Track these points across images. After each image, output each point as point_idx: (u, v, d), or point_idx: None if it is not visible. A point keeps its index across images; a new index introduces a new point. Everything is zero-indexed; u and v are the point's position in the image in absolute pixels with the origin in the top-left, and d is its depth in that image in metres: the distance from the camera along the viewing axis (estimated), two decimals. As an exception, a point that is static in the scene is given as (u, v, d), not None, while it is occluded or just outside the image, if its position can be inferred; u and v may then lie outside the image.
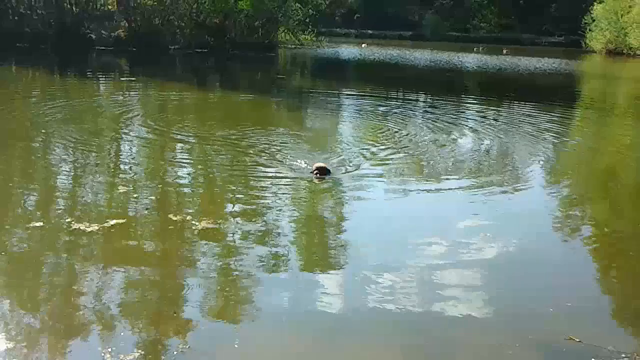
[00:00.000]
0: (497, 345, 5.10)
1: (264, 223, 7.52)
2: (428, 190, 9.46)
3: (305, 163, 9.94)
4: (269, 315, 5.42)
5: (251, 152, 10.92)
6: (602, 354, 4.88)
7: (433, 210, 8.62)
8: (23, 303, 5.43)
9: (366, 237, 7.39)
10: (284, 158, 10.49)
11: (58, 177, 9.37)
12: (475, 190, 9.45)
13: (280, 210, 8.02)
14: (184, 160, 10.81)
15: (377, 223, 7.95)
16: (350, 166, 10.12)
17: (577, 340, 5.07)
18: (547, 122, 16.86)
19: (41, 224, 7.12)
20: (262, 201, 8.34)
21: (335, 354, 4.91)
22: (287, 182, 9.21)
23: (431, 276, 6.32)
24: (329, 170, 9.42)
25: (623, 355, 4.88)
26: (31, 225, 7.05)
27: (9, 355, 4.53)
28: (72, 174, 9.54)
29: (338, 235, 7.48)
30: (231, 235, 7.17)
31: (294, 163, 10.07)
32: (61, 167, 9.93)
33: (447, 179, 9.92)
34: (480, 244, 7.23)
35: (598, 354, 4.87)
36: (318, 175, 9.27)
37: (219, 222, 7.39)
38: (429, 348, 5.06)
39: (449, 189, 9.40)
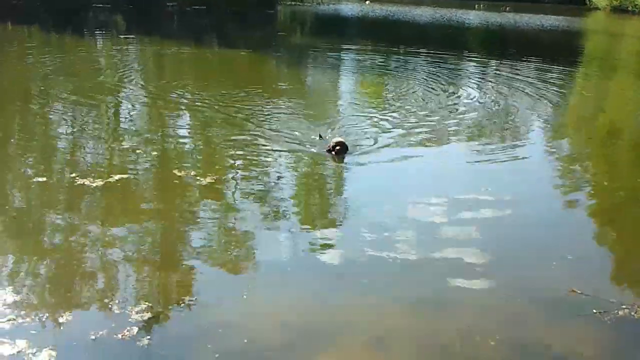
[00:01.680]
0: (500, 298, 5.17)
1: (265, 184, 7.51)
2: (430, 152, 9.33)
3: (306, 130, 9.59)
4: (273, 268, 5.48)
5: (252, 115, 10.66)
6: (604, 306, 4.93)
7: (434, 171, 8.58)
8: (29, 256, 5.46)
9: (366, 197, 7.37)
10: (285, 124, 10.04)
11: (59, 134, 9.32)
12: (478, 149, 9.43)
13: (280, 172, 7.97)
14: (185, 119, 10.73)
15: (377, 183, 7.94)
16: (357, 136, 9.51)
17: (579, 292, 5.13)
18: (549, 78, 16.73)
19: (44, 179, 7.11)
20: (264, 165, 8.27)
21: (339, 305, 4.97)
22: (289, 147, 8.89)
23: (432, 232, 6.36)
24: (347, 147, 8.31)
25: (624, 307, 4.94)
26: (35, 180, 7.04)
27: (15, 308, 4.58)
28: (73, 130, 9.50)
29: (337, 196, 7.50)
30: (233, 192, 7.19)
31: (295, 128, 9.67)
32: (61, 124, 9.88)
33: (450, 139, 9.88)
34: (482, 202, 7.23)
35: (600, 306, 4.93)
36: (338, 150, 8.15)
37: (222, 179, 7.42)
38: (431, 302, 5.11)
39: (452, 149, 9.38)
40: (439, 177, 8.28)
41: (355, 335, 4.58)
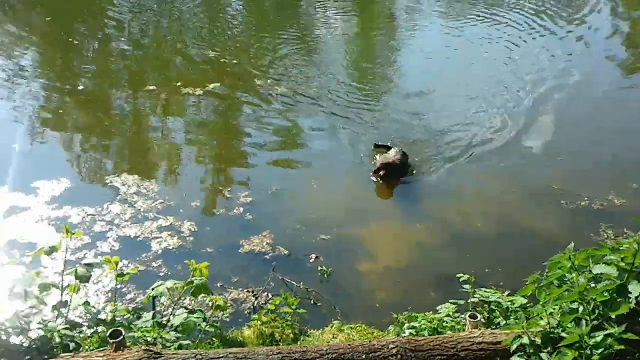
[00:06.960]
0: (499, 191, 7.10)
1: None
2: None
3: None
4: (329, 162, 7.60)
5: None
6: (570, 198, 6.77)
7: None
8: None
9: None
10: None
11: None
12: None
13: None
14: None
15: None
16: None
17: (557, 187, 6.94)
18: None
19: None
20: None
21: (373, 196, 7.07)
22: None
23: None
24: (402, 165, 7.17)
25: (586, 199, 6.73)
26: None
27: (160, 194, 6.86)
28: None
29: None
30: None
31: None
32: None
33: None
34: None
35: (567, 198, 6.76)
36: (383, 175, 7.08)
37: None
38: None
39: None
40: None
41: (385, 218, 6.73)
